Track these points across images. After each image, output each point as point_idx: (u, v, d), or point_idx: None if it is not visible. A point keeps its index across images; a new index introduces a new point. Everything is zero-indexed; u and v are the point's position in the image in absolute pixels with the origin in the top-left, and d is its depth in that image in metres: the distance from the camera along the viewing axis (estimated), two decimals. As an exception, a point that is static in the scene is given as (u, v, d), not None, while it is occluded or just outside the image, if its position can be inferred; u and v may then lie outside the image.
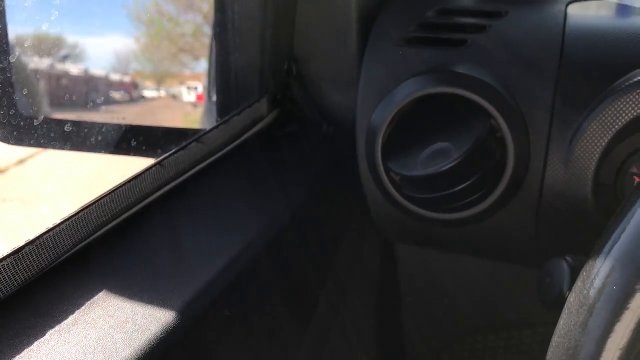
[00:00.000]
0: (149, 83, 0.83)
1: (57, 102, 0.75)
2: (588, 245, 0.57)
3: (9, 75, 0.67)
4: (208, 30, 0.73)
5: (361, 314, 0.75)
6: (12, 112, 0.67)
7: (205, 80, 0.77)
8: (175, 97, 0.83)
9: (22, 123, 0.67)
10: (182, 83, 0.82)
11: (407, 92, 0.56)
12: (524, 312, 0.79)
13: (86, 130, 0.67)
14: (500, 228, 0.59)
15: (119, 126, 0.66)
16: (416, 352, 0.86)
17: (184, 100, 0.82)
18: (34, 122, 0.67)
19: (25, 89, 0.70)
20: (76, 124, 0.67)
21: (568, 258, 0.46)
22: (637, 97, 0.51)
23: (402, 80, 0.58)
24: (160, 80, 0.83)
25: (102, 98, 0.76)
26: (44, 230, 0.39)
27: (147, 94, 0.83)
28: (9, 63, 0.66)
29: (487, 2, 0.64)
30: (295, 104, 0.67)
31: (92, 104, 0.75)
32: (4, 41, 0.65)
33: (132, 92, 0.81)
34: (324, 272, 0.62)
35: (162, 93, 0.83)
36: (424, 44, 0.60)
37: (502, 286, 0.78)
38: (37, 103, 0.71)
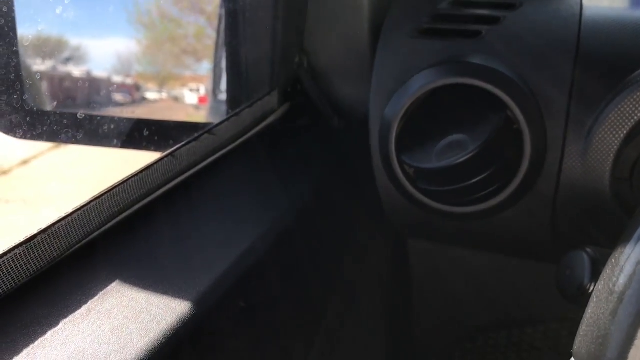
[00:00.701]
0: (151, 85, 0.83)
1: (59, 103, 0.74)
2: (604, 238, 0.56)
3: (15, 60, 0.66)
4: (210, 32, 0.73)
5: (371, 309, 0.74)
6: (20, 102, 0.66)
7: (209, 80, 0.77)
8: (177, 99, 0.83)
9: (29, 114, 0.66)
10: (184, 85, 0.81)
11: (422, 83, 0.55)
12: (537, 308, 0.78)
13: (94, 122, 0.67)
14: (516, 221, 0.58)
15: (129, 119, 0.66)
16: (427, 349, 0.85)
17: (186, 102, 0.82)
18: (40, 114, 0.66)
19: (29, 81, 0.69)
20: (84, 116, 0.66)
21: (588, 250, 0.45)
22: None
23: (415, 72, 0.57)
24: (162, 82, 0.83)
25: (104, 99, 0.75)
26: (56, 218, 0.38)
27: (149, 95, 0.82)
28: (17, 48, 0.65)
29: None
30: (306, 97, 0.66)
31: (93, 105, 0.74)
32: (11, 25, 0.64)
33: (133, 94, 0.81)
34: (334, 267, 0.61)
35: (164, 95, 0.83)
36: (438, 35, 0.59)
37: (514, 283, 0.77)
38: (41, 99, 0.71)
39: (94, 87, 0.76)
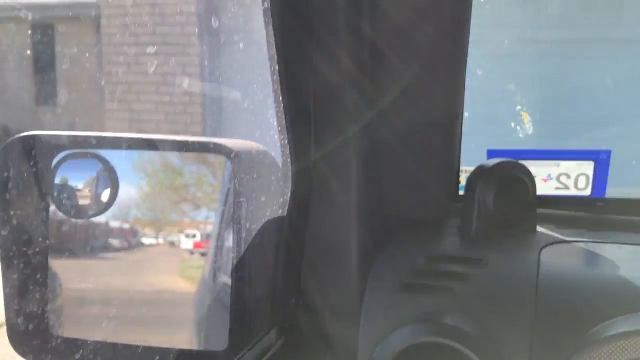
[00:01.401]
0: (148, 230, 0.89)
1: (57, 248, 0.79)
2: None
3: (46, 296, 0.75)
4: (212, 181, 0.79)
5: None
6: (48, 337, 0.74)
7: (211, 259, 0.83)
8: (173, 244, 0.88)
9: (56, 345, 0.74)
10: (180, 231, 0.87)
11: (402, 339, 0.64)
12: None
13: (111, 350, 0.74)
14: None
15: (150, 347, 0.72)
16: None
17: (182, 247, 0.88)
18: (67, 344, 0.74)
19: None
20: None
21: None
22: (609, 350, 0.58)
23: (398, 326, 0.65)
24: (159, 227, 0.88)
25: (101, 245, 0.81)
26: None
27: (146, 240, 0.88)
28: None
29: (469, 247, 0.73)
30: (300, 333, 0.74)
31: (90, 250, 0.80)
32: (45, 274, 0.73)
33: (130, 240, 0.86)
34: None
35: (161, 240, 0.88)
36: (417, 290, 0.68)
37: None
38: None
39: (91, 232, 0.81)
